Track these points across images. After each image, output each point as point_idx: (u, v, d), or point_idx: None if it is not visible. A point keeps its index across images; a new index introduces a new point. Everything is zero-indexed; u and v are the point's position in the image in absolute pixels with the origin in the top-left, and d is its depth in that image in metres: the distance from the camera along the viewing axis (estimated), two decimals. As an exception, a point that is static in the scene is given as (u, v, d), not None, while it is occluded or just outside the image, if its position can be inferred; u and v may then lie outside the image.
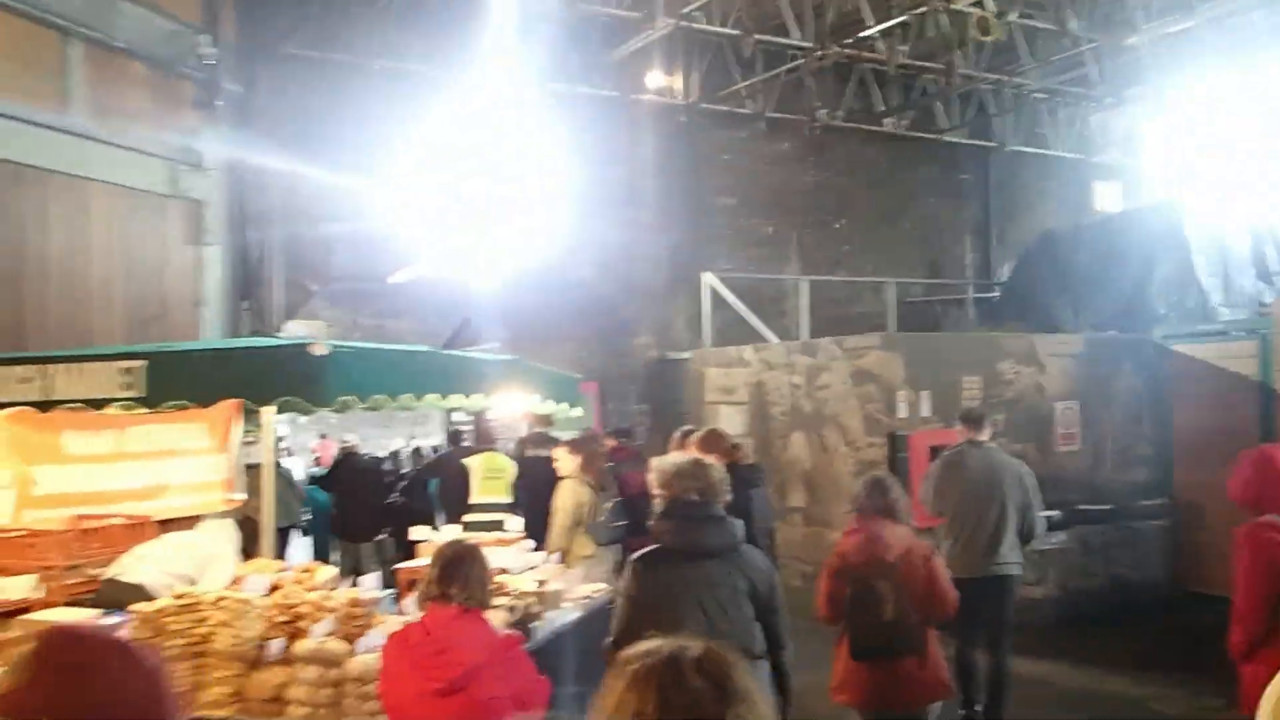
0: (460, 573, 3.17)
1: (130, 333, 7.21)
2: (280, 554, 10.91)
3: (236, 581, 4.28)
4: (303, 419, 16.26)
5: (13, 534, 5.79)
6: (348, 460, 10.97)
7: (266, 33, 9.33)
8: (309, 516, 11.54)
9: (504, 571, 5.32)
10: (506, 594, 4.68)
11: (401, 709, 3.11)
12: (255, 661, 3.81)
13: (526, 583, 5.05)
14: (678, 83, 11.86)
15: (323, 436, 13.86)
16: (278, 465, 11.53)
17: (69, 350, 5.33)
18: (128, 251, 7.29)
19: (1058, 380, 9.49)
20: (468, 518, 6.81)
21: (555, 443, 7.08)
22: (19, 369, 4.56)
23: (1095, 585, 9.11)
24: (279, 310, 9.78)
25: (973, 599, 5.19)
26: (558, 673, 4.13)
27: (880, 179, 13.58)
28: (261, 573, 4.20)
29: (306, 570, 4.34)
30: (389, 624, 4.18)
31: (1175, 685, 6.79)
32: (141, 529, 6.03)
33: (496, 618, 4.01)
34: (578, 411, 6.57)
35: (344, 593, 4.19)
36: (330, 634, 3.85)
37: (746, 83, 11.88)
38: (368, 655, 3.70)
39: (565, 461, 6.35)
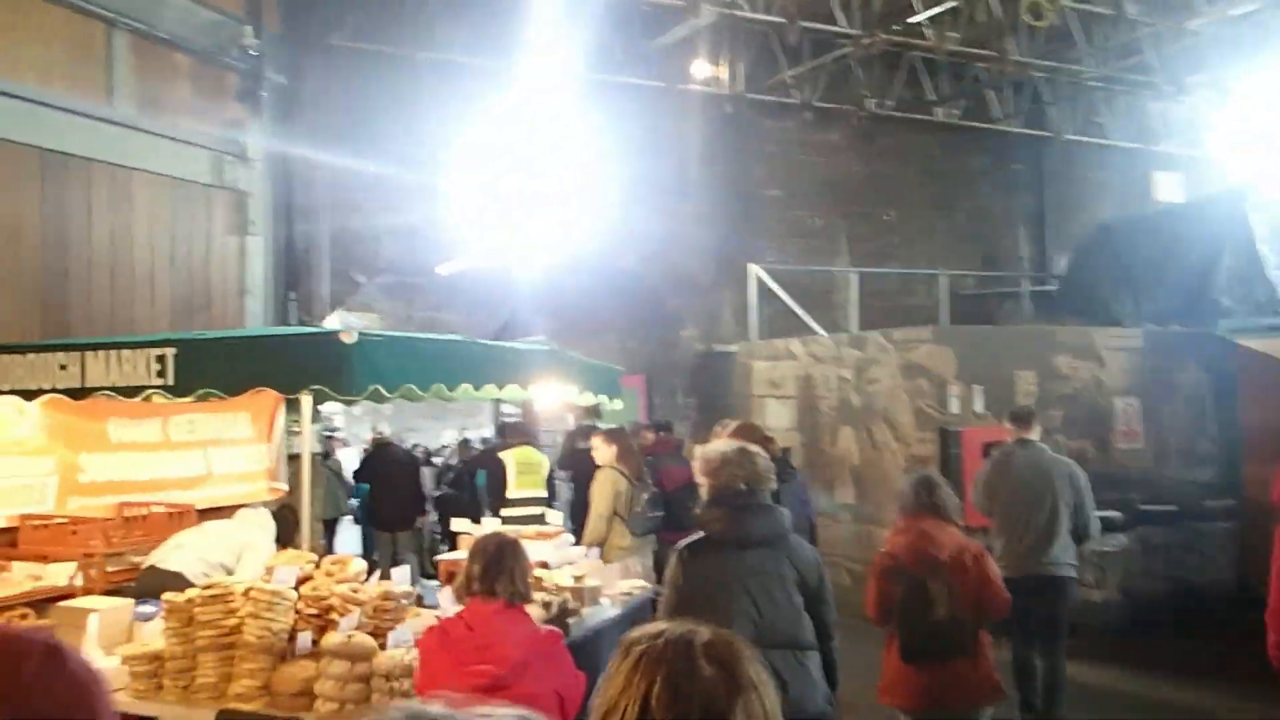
0: (505, 567, 3.13)
1: (174, 322, 7.25)
2: (329, 544, 11.08)
3: (267, 573, 4.23)
4: (357, 410, 16.47)
5: (56, 521, 5.84)
6: (382, 451, 11.04)
7: (312, 24, 9.33)
8: (357, 507, 11.63)
9: (543, 566, 5.24)
10: (543, 589, 4.57)
11: None
12: (284, 654, 3.75)
13: (564, 578, 4.95)
14: (723, 72, 11.67)
15: (375, 428, 13.98)
16: (326, 457, 11.70)
17: (102, 338, 5.33)
18: (172, 241, 7.32)
19: (1117, 375, 9.17)
20: (505, 512, 6.80)
21: (602, 436, 7.06)
22: (60, 355, 4.55)
23: (1158, 589, 8.77)
24: (325, 301, 9.79)
25: (1024, 599, 5.09)
26: (594, 671, 4.03)
27: (931, 169, 13.25)
28: (292, 564, 4.13)
29: (337, 562, 4.27)
30: (423, 618, 4.10)
31: (1246, 696, 6.45)
32: (182, 518, 6.05)
33: (533, 613, 3.92)
34: (618, 404, 6.46)
35: (374, 586, 4.11)
36: (358, 628, 3.77)
37: (793, 71, 11.64)
38: (396, 650, 3.61)
39: (601, 451, 6.36)
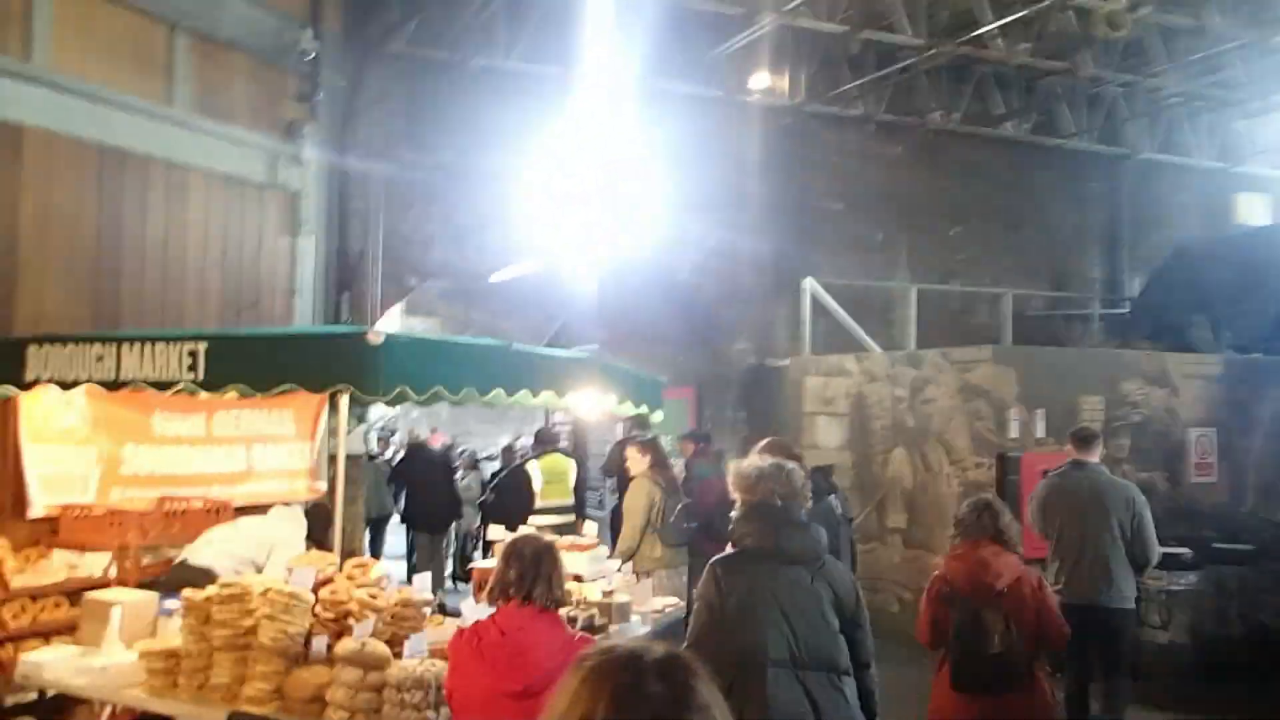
0: (543, 572, 3.06)
1: (224, 319, 7.30)
2: (376, 544, 11.11)
3: (286, 574, 4.15)
4: (415, 413, 16.58)
5: (96, 512, 5.88)
6: (417, 452, 11.05)
7: (372, 28, 9.39)
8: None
9: (577, 579, 5.10)
10: (570, 604, 4.43)
11: (471, 709, 3.01)
12: (298, 658, 3.66)
13: (593, 592, 4.80)
14: (784, 82, 11.48)
15: (434, 430, 14.01)
16: (373, 458, 11.74)
17: (138, 330, 5.35)
18: (223, 239, 7.38)
19: (1192, 404, 8.73)
20: (533, 520, 6.77)
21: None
22: (97, 347, 4.56)
23: (1232, 633, 8.24)
24: (378, 303, 9.82)
25: (1079, 629, 4.83)
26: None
27: (999, 186, 12.83)
28: (312, 565, 4.05)
29: (359, 566, 4.18)
30: (444, 627, 3.98)
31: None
32: (219, 513, 6.05)
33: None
34: (658, 416, 6.33)
35: (393, 592, 4.01)
36: (376, 634, 3.66)
37: (856, 83, 11.39)
38: (410, 661, 3.49)
39: (636, 461, 6.32)
